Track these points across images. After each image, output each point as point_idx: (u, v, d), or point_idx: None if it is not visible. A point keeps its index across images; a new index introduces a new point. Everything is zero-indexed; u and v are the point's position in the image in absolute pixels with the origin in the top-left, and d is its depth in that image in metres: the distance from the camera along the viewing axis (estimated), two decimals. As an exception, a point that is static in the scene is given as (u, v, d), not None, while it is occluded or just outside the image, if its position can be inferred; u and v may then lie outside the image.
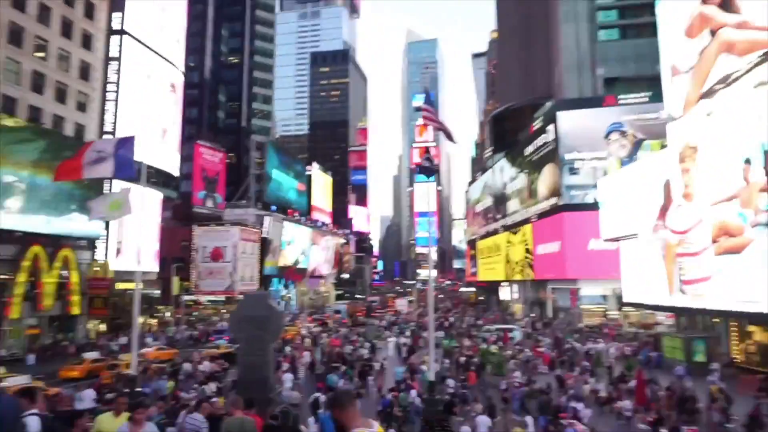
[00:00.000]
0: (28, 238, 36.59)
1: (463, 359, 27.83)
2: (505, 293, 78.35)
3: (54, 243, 38.83)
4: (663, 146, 37.72)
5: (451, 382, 21.00)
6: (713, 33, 27.78)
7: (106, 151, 15.94)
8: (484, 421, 15.59)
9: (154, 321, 51.99)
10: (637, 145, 50.91)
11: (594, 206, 43.22)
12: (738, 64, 25.53)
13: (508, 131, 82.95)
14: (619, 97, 53.23)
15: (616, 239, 39.98)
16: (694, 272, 28.89)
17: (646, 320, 46.27)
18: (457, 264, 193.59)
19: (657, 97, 43.59)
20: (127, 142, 16.56)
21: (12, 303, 35.20)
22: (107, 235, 45.71)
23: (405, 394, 19.23)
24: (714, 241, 26.63)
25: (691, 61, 31.12)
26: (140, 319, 44.87)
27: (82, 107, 45.00)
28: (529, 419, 16.70)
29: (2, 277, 35.61)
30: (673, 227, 30.99)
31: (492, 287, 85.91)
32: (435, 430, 14.15)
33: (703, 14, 30.09)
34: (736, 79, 25.59)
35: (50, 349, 36.59)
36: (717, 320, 31.68)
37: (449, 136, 19.03)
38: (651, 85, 50.24)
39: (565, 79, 66.87)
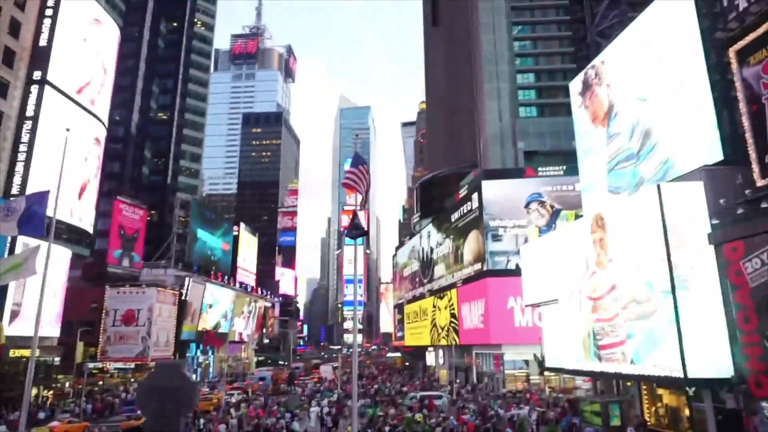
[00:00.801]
0: None
1: (387, 429, 27.01)
2: (431, 358, 78.04)
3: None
4: (578, 216, 40.20)
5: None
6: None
7: (14, 209, 15.10)
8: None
9: (49, 393, 47.00)
10: (555, 214, 54.04)
11: (517, 272, 44.82)
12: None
13: (435, 197, 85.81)
14: (538, 169, 56.86)
15: (537, 304, 41.38)
16: (608, 338, 30.24)
17: (566, 385, 47.42)
18: (384, 328, 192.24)
19: (572, 170, 47.05)
20: (40, 198, 15.80)
21: None
22: (1, 297, 41.56)
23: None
24: (624, 308, 28.16)
25: (600, 143, 34.01)
26: (34, 391, 40.60)
27: (-12, 157, 42.16)
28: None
29: None
30: (588, 294, 32.58)
31: (418, 352, 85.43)
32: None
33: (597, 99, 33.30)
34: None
35: None
36: (630, 383, 32.97)
37: (363, 201, 19.52)
38: (567, 159, 54.29)
39: (489, 150, 70.82)
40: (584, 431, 27.98)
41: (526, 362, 51.76)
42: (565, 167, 53.87)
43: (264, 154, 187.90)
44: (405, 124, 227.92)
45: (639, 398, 31.94)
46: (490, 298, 53.60)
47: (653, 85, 30.54)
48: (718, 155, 25.47)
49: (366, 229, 18.28)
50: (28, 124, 46.17)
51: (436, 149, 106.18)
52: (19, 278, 15.20)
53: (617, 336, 29.34)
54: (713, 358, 23.42)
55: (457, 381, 58.39)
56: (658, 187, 26.15)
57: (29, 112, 46.40)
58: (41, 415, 36.32)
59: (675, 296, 24.47)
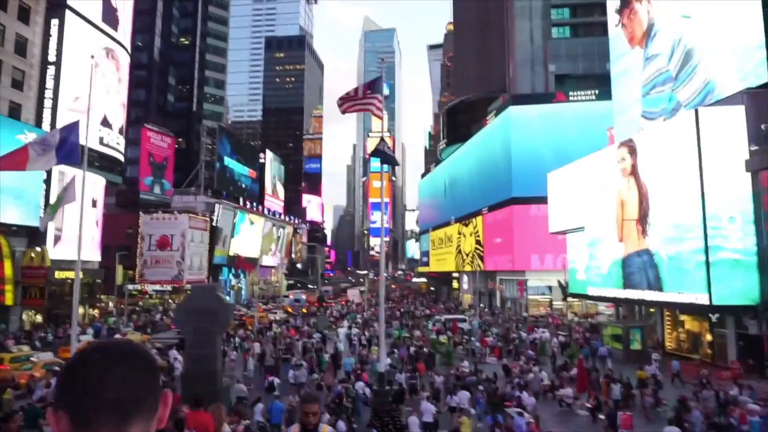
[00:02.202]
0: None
1: (413, 350, 28.18)
2: (456, 284, 79.80)
3: (-14, 229, 36.71)
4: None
5: (399, 376, 21.23)
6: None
7: (50, 143, 15.56)
8: (428, 408, 15.90)
9: (95, 311, 50.02)
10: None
11: (543, 199, 44.54)
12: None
13: (462, 124, 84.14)
14: (569, 93, 54.88)
15: (563, 232, 41.39)
16: (635, 265, 30.35)
17: (588, 310, 48.26)
18: (409, 254, 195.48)
19: (605, 94, 45.30)
20: (72, 128, 16.15)
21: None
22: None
23: (353, 385, 19.34)
24: (652, 236, 28.01)
25: (636, 65, 32.33)
26: (80, 310, 43.19)
27: (18, 85, 42.43)
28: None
29: (-73, 264, 33.35)
30: (617, 221, 32.37)
31: (443, 278, 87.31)
32: (383, 419, 14.28)
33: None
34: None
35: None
36: (653, 310, 33.37)
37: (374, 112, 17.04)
38: (599, 82, 52.15)
39: (519, 74, 68.30)
40: (598, 351, 28.86)
41: (550, 288, 52.58)
42: (597, 91, 51.84)
43: (288, 79, 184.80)
44: (432, 47, 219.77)
45: (661, 324, 32.42)
46: (515, 225, 53.70)
47: (698, 1, 28.54)
48: (763, 77, 24.11)
49: (393, 156, 17.49)
50: (52, 52, 46.02)
51: (464, 73, 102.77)
52: (63, 206, 15.82)
53: (643, 262, 29.39)
54: (740, 285, 23.39)
55: (481, 305, 59.93)
56: (696, 111, 25.14)
57: (53, 38, 46.12)
58: (89, 331, 38.84)
59: (705, 224, 24.15)
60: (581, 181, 36.75)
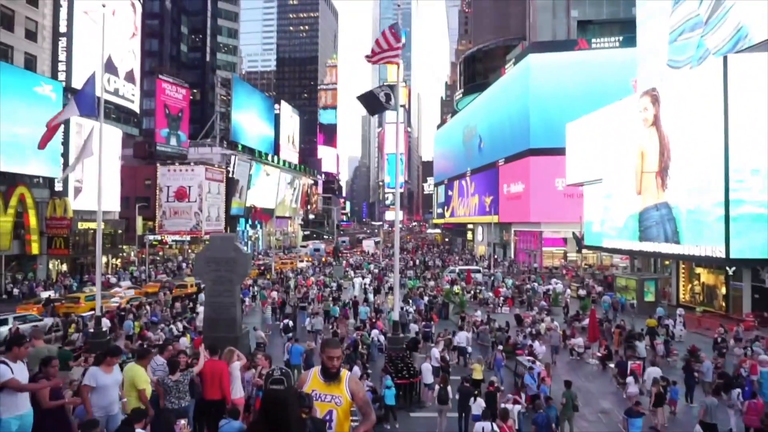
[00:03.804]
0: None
1: (427, 299, 28.67)
2: (470, 235, 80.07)
3: (8, 181, 37.39)
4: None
5: (414, 327, 21.69)
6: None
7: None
8: (435, 354, 16.37)
9: (117, 260, 51.40)
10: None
11: (560, 151, 43.84)
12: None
13: (480, 73, 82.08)
14: (591, 40, 52.94)
15: (580, 184, 40.94)
16: (652, 218, 30.07)
17: (603, 262, 48.30)
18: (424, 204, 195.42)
19: (629, 41, 43.65)
20: (89, 80, 16.33)
21: (-34, 242, 34.16)
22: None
23: (368, 333, 19.88)
24: (672, 188, 27.61)
25: (664, 9, 30.94)
26: (103, 259, 44.38)
27: (32, 36, 42.16)
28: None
29: (-45, 214, 34.33)
30: (636, 173, 31.87)
31: (458, 229, 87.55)
32: (398, 366, 14.72)
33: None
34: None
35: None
36: (668, 262, 33.29)
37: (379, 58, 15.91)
38: (624, 28, 50.15)
39: (539, 21, 65.84)
40: (601, 299, 29.31)
41: (565, 240, 52.53)
42: (621, 38, 49.91)
43: (302, 28, 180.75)
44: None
45: (676, 276, 32.42)
46: (531, 177, 53.19)
47: (734, -61, 26.94)
48: (797, 22, 22.98)
49: (378, 100, 15.94)
50: (63, 6, 45.32)
51: (482, 20, 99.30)
52: (81, 160, 16.19)
53: (661, 215, 29.11)
54: (760, 239, 23.15)
55: (495, 256, 60.27)
56: (725, 58, 24.19)
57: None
58: (113, 279, 40.09)
59: (727, 177, 23.71)
60: (601, 132, 35.98)
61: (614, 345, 20.59)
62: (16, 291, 35.40)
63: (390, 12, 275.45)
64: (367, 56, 15.98)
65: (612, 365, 18.09)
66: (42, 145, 16.20)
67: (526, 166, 54.33)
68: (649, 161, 30.17)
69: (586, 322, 22.65)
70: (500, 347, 17.84)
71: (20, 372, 6.22)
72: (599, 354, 19.29)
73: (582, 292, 32.82)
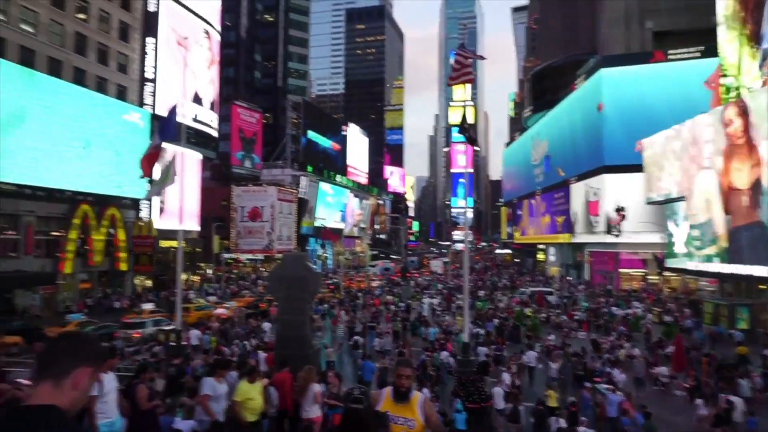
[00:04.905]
0: (77, 198, 38.12)
1: (497, 322, 27.95)
2: (542, 256, 77.71)
3: (101, 202, 40.35)
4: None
5: (484, 350, 21.16)
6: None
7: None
8: (507, 379, 15.83)
9: (196, 278, 53.92)
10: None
11: (637, 167, 41.89)
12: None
13: (549, 89, 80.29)
14: (668, 52, 50.53)
15: (660, 202, 38.85)
16: (742, 238, 27.97)
17: (688, 286, 45.26)
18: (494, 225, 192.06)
19: (712, 51, 41.31)
20: (172, 109, 17.48)
21: (65, 258, 37.07)
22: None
23: (438, 354, 19.57)
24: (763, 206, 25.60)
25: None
26: (183, 276, 46.68)
27: (123, 68, 45.69)
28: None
29: (55, 233, 37.39)
30: (723, 190, 29.87)
31: (528, 249, 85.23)
32: (468, 389, 14.37)
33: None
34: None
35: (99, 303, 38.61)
36: (764, 287, 30.69)
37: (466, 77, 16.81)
38: (704, 38, 47.53)
39: (611, 33, 63.74)
40: (684, 323, 27.18)
41: (644, 261, 49.80)
42: (703, 48, 47.29)
43: (368, 51, 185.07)
44: (516, 9, 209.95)
45: (773, 302, 29.83)
46: (607, 195, 51.05)
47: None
48: None
49: (474, 137, 16.99)
50: (150, 41, 48.86)
51: (550, 36, 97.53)
52: (164, 186, 17.25)
53: (753, 236, 27.02)
54: None
55: (569, 278, 58.05)
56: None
57: (152, 13, 49.00)
58: (191, 294, 42.05)
59: (830, 193, 21.70)
60: (682, 147, 34.07)
61: (703, 375, 19.11)
62: (117, 304, 38.03)
63: (456, 31, 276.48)
64: (449, 79, 16.37)
65: (701, 399, 16.76)
66: (146, 173, 17.23)
67: (601, 184, 52.26)
68: (738, 178, 28.16)
69: (671, 349, 21.20)
70: (587, 384, 15.97)
71: (110, 382, 6.62)
72: (686, 385, 17.95)
73: (668, 318, 30.79)
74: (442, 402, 14.55)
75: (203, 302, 36.01)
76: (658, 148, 37.71)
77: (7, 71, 32.68)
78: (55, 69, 37.92)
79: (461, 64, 15.77)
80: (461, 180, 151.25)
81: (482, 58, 16.23)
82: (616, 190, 49.77)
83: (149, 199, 44.86)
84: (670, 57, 49.96)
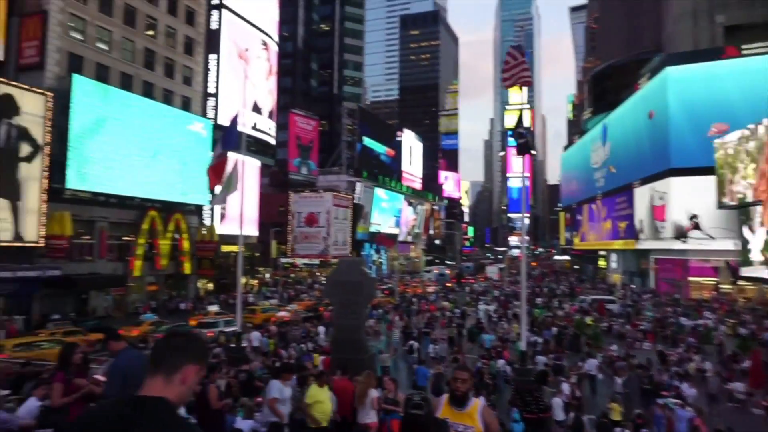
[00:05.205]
0: (145, 204, 40.18)
1: (556, 330, 27.13)
2: (602, 262, 74.92)
3: (167, 209, 42.30)
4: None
5: (542, 358, 20.56)
6: None
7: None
8: (566, 389, 15.29)
9: (255, 282, 55.47)
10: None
11: (707, 170, 39.71)
12: None
13: (610, 90, 77.53)
14: (742, 47, 47.69)
15: (734, 207, 36.66)
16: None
17: (765, 296, 42.34)
18: (551, 231, 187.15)
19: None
20: (232, 119, 18.17)
21: (134, 262, 39.13)
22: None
23: (495, 362, 19.18)
24: None
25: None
26: (242, 280, 48.17)
27: (187, 81, 47.81)
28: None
29: (126, 238, 39.53)
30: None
31: (588, 256, 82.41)
32: (526, 399, 13.98)
33: None
34: None
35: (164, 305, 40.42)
36: None
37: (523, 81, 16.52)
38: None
39: (678, 29, 60.84)
40: (762, 336, 25.19)
41: (715, 269, 47.02)
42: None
43: (423, 56, 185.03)
44: (574, 9, 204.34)
45: None
46: (674, 199, 48.64)
47: None
48: None
49: (530, 144, 16.46)
50: (213, 57, 50.90)
51: (611, 35, 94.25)
52: (227, 194, 17.84)
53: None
54: None
55: (633, 286, 55.67)
56: None
57: (213, 27, 51.09)
58: (250, 297, 43.31)
59: None
60: (757, 147, 32.01)
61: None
62: (183, 305, 39.76)
63: (511, 34, 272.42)
64: (503, 81, 16.11)
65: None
66: (213, 183, 17.87)
67: (667, 187, 49.86)
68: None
69: (747, 364, 19.84)
70: (660, 401, 14.82)
71: None
72: (765, 403, 16.73)
73: (743, 330, 28.85)
74: (499, 411, 14.24)
75: (268, 305, 37.30)
76: (731, 148, 35.59)
77: (86, 87, 34.95)
78: (126, 83, 40.20)
79: (513, 65, 15.47)
80: (517, 185, 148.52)
81: (525, 68, 15.49)
82: (684, 194, 47.33)
83: (215, 207, 46.64)
84: (745, 52, 47.12)
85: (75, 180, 34.30)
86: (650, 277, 55.43)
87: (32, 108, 31.11)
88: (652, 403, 14.96)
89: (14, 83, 30.89)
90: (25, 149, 30.84)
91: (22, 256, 30.90)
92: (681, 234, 47.09)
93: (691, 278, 48.81)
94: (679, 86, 49.19)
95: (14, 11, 34.49)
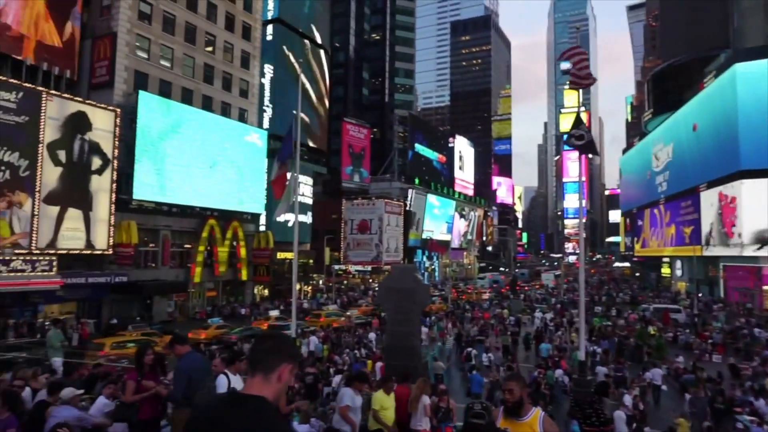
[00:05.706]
0: (205, 213, 41.75)
1: (616, 339, 26.10)
2: (666, 270, 71.50)
3: (225, 217, 43.76)
4: None
5: (602, 369, 19.79)
6: None
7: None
8: (628, 401, 14.61)
9: (309, 288, 56.39)
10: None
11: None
12: None
13: (672, 90, 74.14)
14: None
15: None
16: None
17: None
18: (610, 238, 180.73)
19: None
20: (289, 129, 18.63)
21: (195, 268, 40.67)
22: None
23: (552, 372, 18.66)
24: None
25: None
26: (297, 286, 49.12)
27: (244, 94, 49.45)
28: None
29: (187, 246, 41.17)
30: None
31: (650, 263, 78.87)
32: (585, 411, 13.49)
33: None
34: None
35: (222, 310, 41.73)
36: None
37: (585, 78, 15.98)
38: None
39: (747, 24, 57.66)
40: None
41: (793, 277, 43.91)
42: None
43: (474, 62, 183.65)
44: (632, 8, 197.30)
45: None
46: (745, 202, 45.89)
47: None
48: None
49: (591, 141, 15.68)
50: (267, 69, 52.51)
51: (673, 32, 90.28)
52: (287, 205, 18.25)
53: None
54: None
55: (700, 294, 52.79)
56: None
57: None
58: (305, 304, 44.07)
59: None
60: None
61: None
62: (243, 311, 41.03)
63: (566, 35, 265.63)
64: (570, 83, 15.79)
65: None
66: (278, 195, 18.37)
67: (737, 190, 47.11)
68: None
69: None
70: (740, 421, 13.37)
71: (237, 384, 7.11)
72: None
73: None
74: (557, 423, 13.80)
75: (331, 309, 38.33)
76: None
77: (150, 103, 36.83)
78: (187, 97, 42.01)
79: (580, 66, 15.07)
80: (574, 190, 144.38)
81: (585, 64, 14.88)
82: (756, 197, 44.56)
83: (278, 217, 47.86)
84: (822, 45, 44.03)
85: (140, 191, 36.12)
86: (720, 285, 52.41)
87: (103, 124, 33.12)
88: (726, 421, 14.10)
89: (87, 101, 33.03)
90: (96, 162, 32.84)
91: (93, 263, 32.81)
92: (763, 240, 44.34)
93: (765, 287, 45.78)
94: (749, 83, 46.49)
95: (85, 35, 36.87)
